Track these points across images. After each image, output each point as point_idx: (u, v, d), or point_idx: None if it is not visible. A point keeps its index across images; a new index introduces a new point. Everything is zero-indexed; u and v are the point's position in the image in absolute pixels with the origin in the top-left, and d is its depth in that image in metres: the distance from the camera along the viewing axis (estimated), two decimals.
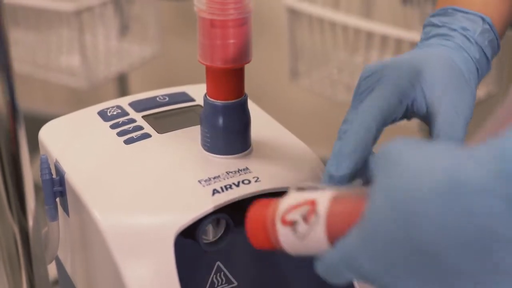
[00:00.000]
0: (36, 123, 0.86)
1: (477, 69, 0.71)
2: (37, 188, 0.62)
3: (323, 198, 0.55)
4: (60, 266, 0.82)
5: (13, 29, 1.94)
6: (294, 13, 1.82)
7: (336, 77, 1.82)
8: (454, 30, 0.72)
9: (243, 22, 0.65)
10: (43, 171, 0.70)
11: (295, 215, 0.55)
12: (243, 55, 0.67)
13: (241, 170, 0.69)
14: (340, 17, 1.76)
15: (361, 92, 0.66)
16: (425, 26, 0.75)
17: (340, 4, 1.97)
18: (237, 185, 0.67)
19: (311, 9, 1.80)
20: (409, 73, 0.66)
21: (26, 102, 2.66)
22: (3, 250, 0.62)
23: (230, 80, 0.68)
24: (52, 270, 0.71)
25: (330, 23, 1.77)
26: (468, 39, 0.72)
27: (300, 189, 0.58)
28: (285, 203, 0.57)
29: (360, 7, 2.04)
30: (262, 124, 0.76)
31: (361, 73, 0.68)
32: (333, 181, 0.62)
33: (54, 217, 0.73)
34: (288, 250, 0.57)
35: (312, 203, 0.55)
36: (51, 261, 0.78)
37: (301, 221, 0.55)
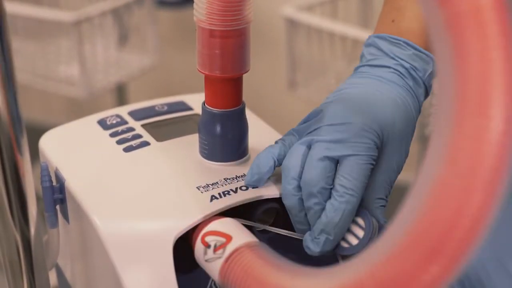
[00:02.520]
0: (35, 132, 0.87)
1: (420, 110, 0.71)
2: (37, 196, 0.63)
3: (239, 238, 0.61)
4: (60, 273, 0.82)
5: (12, 39, 1.94)
6: (292, 24, 1.83)
7: (334, 87, 1.83)
8: (405, 68, 0.70)
9: (241, 33, 0.66)
10: (43, 178, 0.71)
11: (211, 240, 0.62)
12: (241, 64, 0.68)
13: (238, 177, 0.70)
14: (339, 27, 1.77)
15: (328, 140, 0.65)
16: (369, 45, 0.73)
17: (339, 14, 1.98)
18: (235, 191, 0.68)
19: (309, 19, 1.81)
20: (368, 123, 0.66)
21: (25, 111, 2.66)
22: (5, 257, 0.63)
23: (228, 89, 0.69)
24: (52, 277, 0.72)
25: (329, 33, 1.78)
26: (417, 82, 0.71)
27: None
28: (213, 224, 0.63)
29: (359, 17, 2.05)
30: (259, 132, 0.76)
31: (325, 116, 0.67)
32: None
33: (54, 224, 0.73)
34: (197, 261, 0.64)
35: (229, 239, 0.61)
36: (51, 268, 0.78)
37: (212, 248, 0.61)
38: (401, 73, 0.70)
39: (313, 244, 0.65)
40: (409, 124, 0.68)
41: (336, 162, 0.65)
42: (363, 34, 1.73)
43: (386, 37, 0.72)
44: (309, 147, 0.66)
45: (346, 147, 0.64)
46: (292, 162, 0.66)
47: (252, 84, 1.12)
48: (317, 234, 0.64)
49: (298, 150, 0.66)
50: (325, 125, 0.66)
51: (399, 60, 0.71)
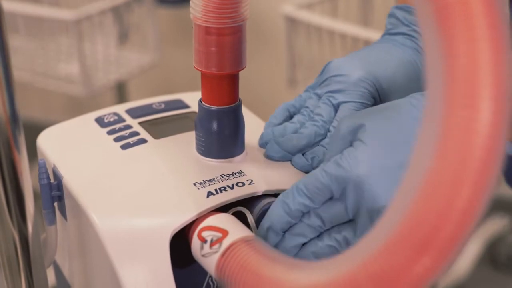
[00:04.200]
0: (34, 130, 0.87)
1: None
2: (35, 194, 0.63)
3: (236, 233, 0.61)
4: (58, 271, 0.83)
5: (12, 37, 1.95)
6: (292, 22, 1.83)
7: None
8: (417, 32, 0.76)
9: (238, 30, 0.67)
10: (41, 175, 0.71)
11: (208, 235, 0.62)
12: (237, 62, 0.68)
13: (235, 173, 0.70)
14: (338, 25, 1.77)
15: (330, 90, 0.74)
16: (390, 16, 0.79)
17: (338, 13, 1.98)
18: (232, 188, 0.68)
19: (309, 17, 1.81)
20: (375, 84, 0.73)
21: (25, 109, 2.67)
22: (3, 255, 0.63)
23: (225, 86, 0.69)
24: (50, 274, 0.72)
25: (329, 32, 1.78)
26: None
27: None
28: (209, 219, 0.64)
29: (358, 15, 2.05)
30: (255, 129, 0.77)
31: (330, 69, 0.76)
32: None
33: (52, 221, 0.73)
34: (193, 256, 0.64)
35: (225, 233, 0.61)
36: (49, 266, 0.79)
37: (208, 243, 0.61)
38: (413, 36, 0.76)
39: (302, 159, 0.72)
40: (416, 79, 0.74)
41: (337, 108, 0.73)
42: (363, 32, 1.73)
43: (403, 7, 0.78)
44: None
45: (343, 95, 0.73)
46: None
47: (252, 82, 1.12)
48: (307, 155, 0.72)
49: (311, 99, 0.77)
50: (330, 76, 0.75)
51: (411, 26, 0.77)
